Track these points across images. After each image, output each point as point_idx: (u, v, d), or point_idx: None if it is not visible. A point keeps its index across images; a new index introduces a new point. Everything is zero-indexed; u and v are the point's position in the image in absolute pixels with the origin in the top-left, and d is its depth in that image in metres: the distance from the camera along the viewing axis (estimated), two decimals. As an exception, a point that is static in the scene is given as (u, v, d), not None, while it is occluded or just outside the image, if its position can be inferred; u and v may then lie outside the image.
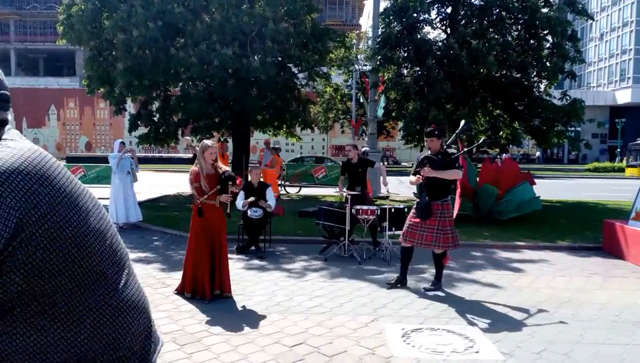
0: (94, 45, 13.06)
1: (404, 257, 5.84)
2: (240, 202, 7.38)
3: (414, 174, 5.73)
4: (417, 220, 5.56)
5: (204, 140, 5.54)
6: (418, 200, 5.64)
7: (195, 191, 5.31)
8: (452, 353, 3.99)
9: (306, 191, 17.07)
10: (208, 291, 5.22)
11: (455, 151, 5.78)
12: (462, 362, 3.85)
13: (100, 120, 48.65)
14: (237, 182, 5.43)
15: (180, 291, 5.41)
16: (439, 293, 5.66)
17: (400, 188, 18.53)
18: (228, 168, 5.56)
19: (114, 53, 12.78)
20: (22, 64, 58.24)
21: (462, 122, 6.18)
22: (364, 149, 11.82)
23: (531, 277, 6.44)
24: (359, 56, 28.88)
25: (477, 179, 11.01)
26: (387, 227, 7.10)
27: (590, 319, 4.86)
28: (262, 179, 7.97)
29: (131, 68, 12.09)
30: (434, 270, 6.62)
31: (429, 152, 5.69)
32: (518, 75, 13.26)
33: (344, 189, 7.72)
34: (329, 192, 16.62)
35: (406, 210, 7.44)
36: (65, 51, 47.73)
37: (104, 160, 13.69)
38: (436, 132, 5.67)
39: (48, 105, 48.07)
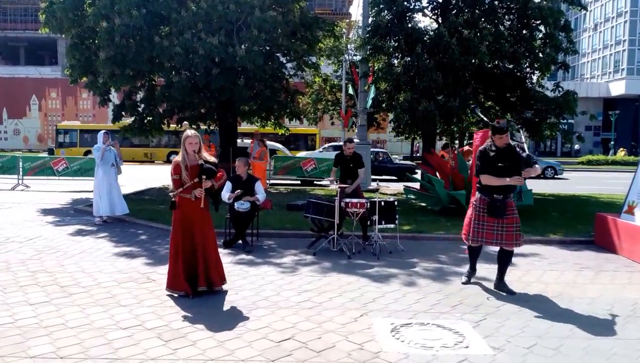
0: (76, 33, 12.73)
1: (475, 254, 5.72)
2: (226, 195, 7.25)
3: (486, 171, 5.26)
4: (492, 219, 5.32)
5: (187, 130, 5.33)
6: (484, 197, 5.32)
7: (173, 183, 5.12)
8: (441, 348, 3.95)
9: (295, 184, 16.95)
10: (188, 287, 5.09)
11: (516, 145, 5.36)
12: (452, 357, 3.80)
13: (83, 110, 47.92)
14: (218, 175, 5.23)
15: (168, 287, 5.23)
16: (429, 287, 5.60)
17: (389, 182, 18.48)
18: (214, 159, 5.32)
19: (96, 42, 12.49)
20: (2, 53, 57.16)
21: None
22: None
23: (522, 271, 6.42)
24: (349, 46, 28.66)
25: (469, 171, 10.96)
26: (376, 220, 7.00)
27: (581, 313, 4.83)
28: (250, 172, 7.83)
29: (114, 57, 11.81)
30: (425, 264, 6.60)
31: (490, 146, 5.31)
32: (510, 66, 13.18)
33: (336, 182, 7.63)
34: (318, 184, 16.52)
35: (396, 203, 7.38)
36: (46, 39, 46.87)
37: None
38: (505, 127, 5.28)
39: (29, 95, 47.22)
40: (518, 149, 5.32)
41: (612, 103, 52.67)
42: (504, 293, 5.40)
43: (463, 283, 5.71)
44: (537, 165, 5.35)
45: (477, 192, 5.49)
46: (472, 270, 5.84)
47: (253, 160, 13.67)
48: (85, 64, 12.97)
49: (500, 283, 5.54)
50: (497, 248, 5.57)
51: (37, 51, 57.27)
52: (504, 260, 5.50)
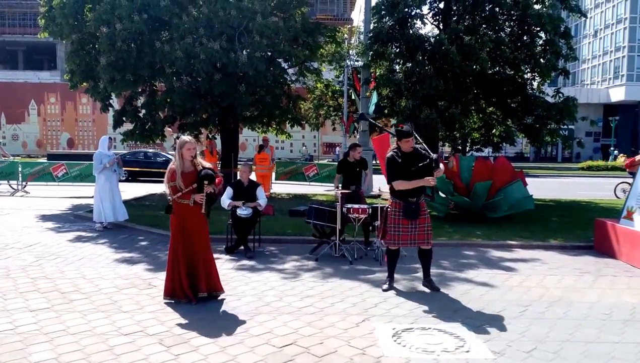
0: (77, 38, 12.71)
1: (394, 260, 5.79)
2: (226, 202, 7.27)
3: (398, 177, 5.44)
4: (407, 221, 5.50)
5: (182, 136, 5.32)
6: (399, 201, 5.51)
7: (171, 189, 5.08)
8: (442, 353, 3.96)
9: (296, 189, 16.96)
10: (190, 293, 5.09)
11: (419, 148, 5.58)
12: (453, 361, 3.81)
13: (83, 116, 47.74)
14: (217, 181, 5.23)
15: (167, 296, 5.21)
16: (431, 292, 5.61)
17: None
18: (210, 165, 5.33)
19: (97, 47, 12.51)
20: (1, 57, 57.10)
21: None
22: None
23: (523, 276, 6.42)
24: (350, 51, 28.71)
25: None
26: (378, 226, 7.01)
27: (580, 318, 4.84)
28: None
29: (115, 62, 11.81)
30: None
31: (396, 152, 5.50)
32: (511, 72, 13.24)
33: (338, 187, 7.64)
34: (319, 191, 16.53)
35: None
36: (45, 44, 46.68)
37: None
38: (410, 131, 5.53)
39: (28, 100, 47.05)
40: (423, 151, 5.51)
41: (612, 109, 52.78)
42: (430, 290, 5.64)
43: (384, 290, 5.62)
44: (441, 166, 5.48)
45: (390, 197, 5.65)
46: (392, 278, 5.79)
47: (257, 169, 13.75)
48: (86, 69, 12.95)
49: (425, 279, 5.77)
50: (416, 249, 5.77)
51: (36, 56, 57.14)
52: (425, 259, 5.72)
